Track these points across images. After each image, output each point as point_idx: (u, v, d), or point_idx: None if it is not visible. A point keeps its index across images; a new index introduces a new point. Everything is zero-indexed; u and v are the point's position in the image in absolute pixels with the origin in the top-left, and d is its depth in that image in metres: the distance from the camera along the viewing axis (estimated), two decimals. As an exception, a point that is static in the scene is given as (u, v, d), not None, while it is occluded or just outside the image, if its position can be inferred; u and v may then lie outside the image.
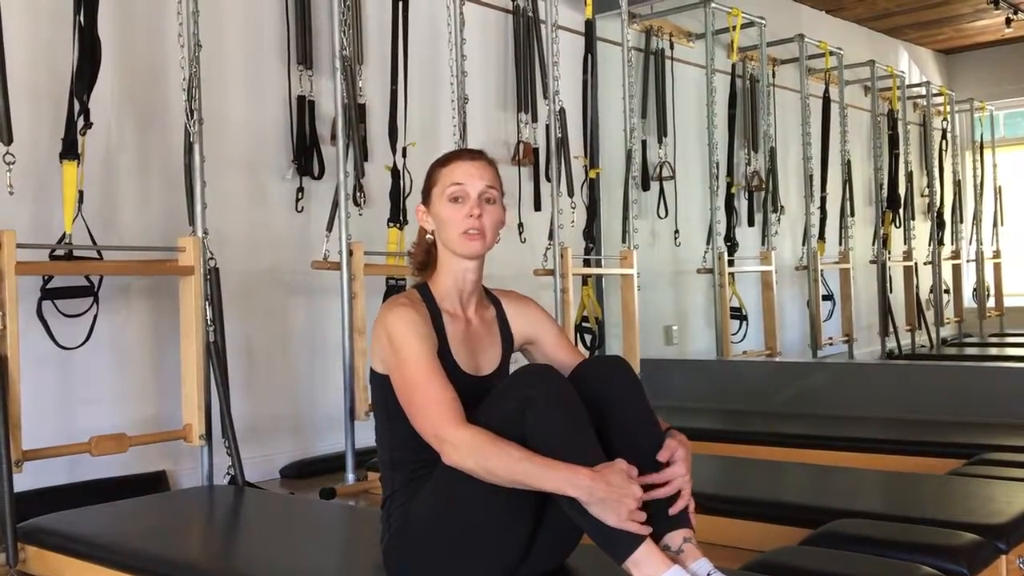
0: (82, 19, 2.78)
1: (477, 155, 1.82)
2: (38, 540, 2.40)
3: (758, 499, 2.53)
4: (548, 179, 4.42)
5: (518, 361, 1.82)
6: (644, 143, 5.25)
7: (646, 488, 1.57)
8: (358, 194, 3.60)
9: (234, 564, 2.14)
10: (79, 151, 2.77)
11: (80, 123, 2.77)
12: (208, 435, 2.89)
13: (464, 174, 1.76)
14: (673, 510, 1.62)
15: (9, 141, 2.50)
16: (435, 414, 1.62)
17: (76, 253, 2.80)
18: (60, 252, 2.77)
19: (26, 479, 2.56)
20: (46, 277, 2.79)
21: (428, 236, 1.82)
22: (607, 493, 1.51)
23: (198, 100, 2.97)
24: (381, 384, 1.75)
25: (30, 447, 2.52)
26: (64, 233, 2.76)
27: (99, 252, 2.87)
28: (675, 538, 1.61)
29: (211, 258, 2.95)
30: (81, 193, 2.78)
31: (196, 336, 2.88)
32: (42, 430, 2.77)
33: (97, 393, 3.16)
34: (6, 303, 2.44)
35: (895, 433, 3.46)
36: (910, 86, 7.07)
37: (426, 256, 1.83)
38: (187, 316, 2.91)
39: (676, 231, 5.40)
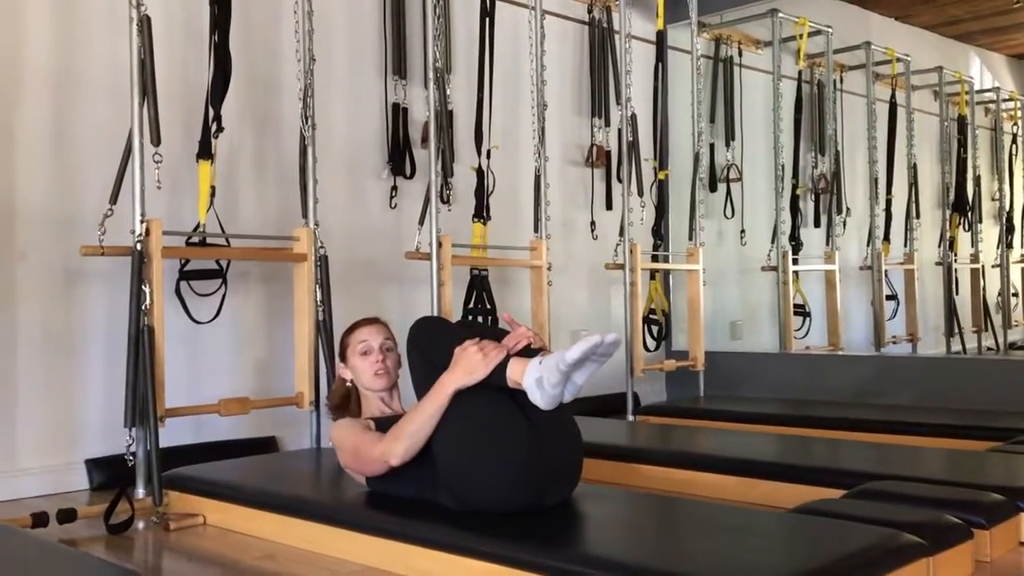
0: (216, 38, 3.18)
1: (374, 321, 2.57)
2: (179, 485, 2.78)
3: (808, 465, 2.81)
4: (619, 180, 4.74)
5: None
6: (712, 146, 5.49)
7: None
8: (446, 192, 3.95)
9: (340, 500, 2.48)
10: (212, 152, 3.17)
11: (213, 128, 3.17)
12: (316, 402, 3.27)
13: (367, 334, 2.51)
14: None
15: (158, 143, 2.90)
16: (370, 451, 2.25)
17: (208, 241, 3.20)
18: (195, 239, 3.17)
19: (161, 438, 2.91)
20: (183, 261, 3.19)
21: (347, 384, 2.54)
22: (463, 368, 2.07)
23: (312, 108, 3.36)
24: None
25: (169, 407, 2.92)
26: (198, 223, 3.16)
27: (227, 240, 3.27)
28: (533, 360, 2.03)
29: (321, 247, 3.33)
30: (213, 188, 3.17)
31: (308, 315, 3.27)
32: (176, 395, 3.15)
33: (218, 364, 3.57)
34: (153, 282, 2.84)
35: (945, 419, 3.65)
36: (979, 91, 7.13)
37: (343, 400, 2.53)
38: (300, 297, 3.30)
39: (742, 231, 5.63)
